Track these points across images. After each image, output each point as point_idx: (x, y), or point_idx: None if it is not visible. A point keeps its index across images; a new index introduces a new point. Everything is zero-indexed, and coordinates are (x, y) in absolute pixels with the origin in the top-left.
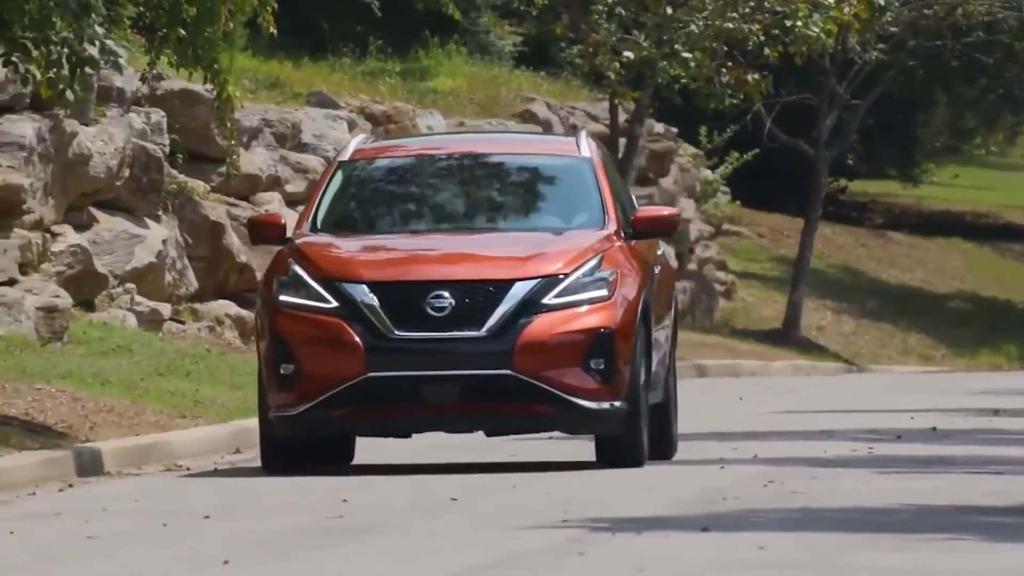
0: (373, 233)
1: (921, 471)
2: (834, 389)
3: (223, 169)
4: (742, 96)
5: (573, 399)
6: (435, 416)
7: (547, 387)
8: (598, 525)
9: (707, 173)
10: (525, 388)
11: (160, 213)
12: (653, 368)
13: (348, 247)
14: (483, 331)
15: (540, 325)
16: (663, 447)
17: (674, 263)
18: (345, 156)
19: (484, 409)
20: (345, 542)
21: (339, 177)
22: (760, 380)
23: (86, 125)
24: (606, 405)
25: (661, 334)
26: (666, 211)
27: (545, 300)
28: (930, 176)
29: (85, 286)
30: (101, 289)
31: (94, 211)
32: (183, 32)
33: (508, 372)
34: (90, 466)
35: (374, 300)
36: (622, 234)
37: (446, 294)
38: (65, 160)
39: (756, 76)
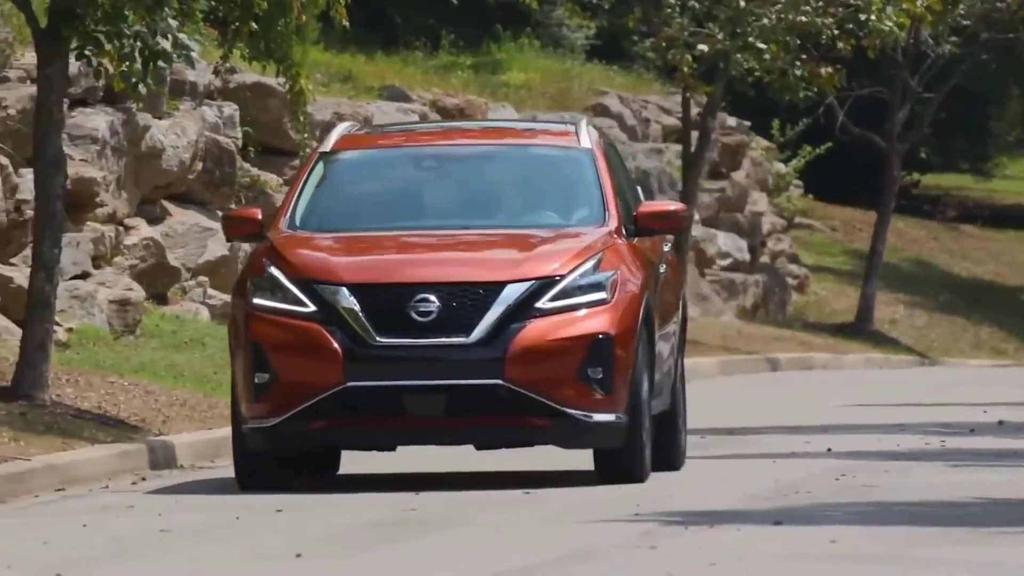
0: (355, 230)
1: (994, 464)
2: (906, 383)
3: (295, 162)
4: (815, 89)
5: (569, 411)
6: (420, 429)
7: (541, 398)
8: (670, 519)
9: (780, 166)
10: (517, 399)
11: (232, 206)
12: (658, 375)
13: (328, 246)
14: (472, 338)
15: (533, 331)
16: (670, 457)
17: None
18: (327, 146)
19: (473, 421)
20: (417, 535)
21: (320, 169)
22: (832, 373)
23: (159, 118)
24: (605, 417)
25: (666, 338)
26: (671, 206)
27: (539, 304)
28: (1003, 170)
29: (158, 279)
30: (174, 282)
31: (167, 204)
32: (255, 26)
33: (499, 382)
34: (163, 460)
35: (354, 304)
36: (623, 231)
37: (432, 298)
38: (138, 153)
39: (829, 69)
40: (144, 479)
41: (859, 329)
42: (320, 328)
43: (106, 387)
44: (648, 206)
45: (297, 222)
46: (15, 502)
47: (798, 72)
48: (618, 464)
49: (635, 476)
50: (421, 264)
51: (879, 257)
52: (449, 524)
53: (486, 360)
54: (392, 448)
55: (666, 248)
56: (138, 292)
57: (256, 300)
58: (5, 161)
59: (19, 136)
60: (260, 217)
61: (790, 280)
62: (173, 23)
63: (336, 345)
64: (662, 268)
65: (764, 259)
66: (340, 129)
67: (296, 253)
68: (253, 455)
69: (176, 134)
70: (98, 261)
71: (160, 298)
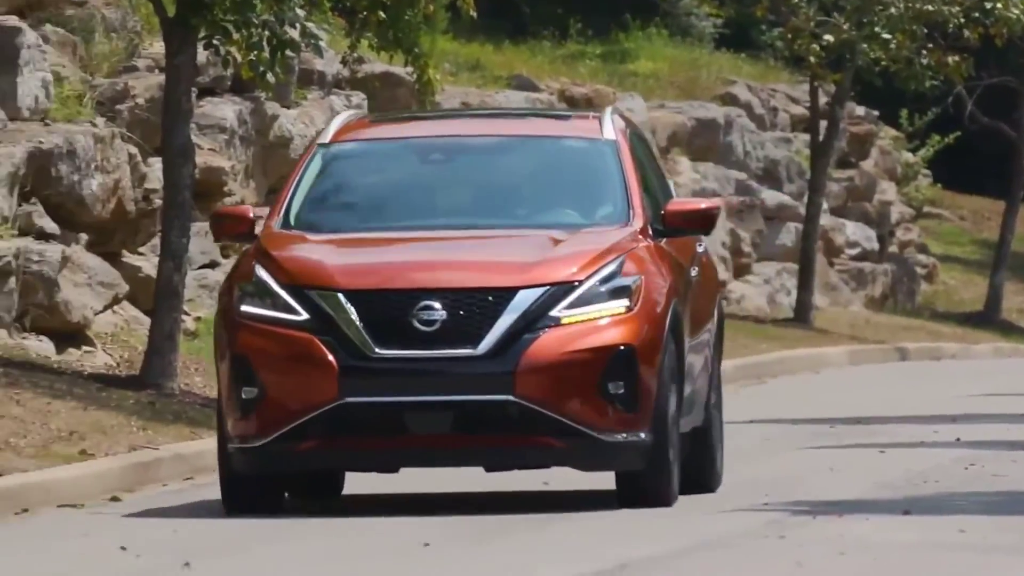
0: (354, 230)
1: None
2: None
3: None
4: (942, 78)
5: (587, 430)
6: (423, 449)
7: (556, 416)
8: (799, 508)
9: (908, 156)
10: (530, 417)
11: None
12: (688, 388)
13: (323, 248)
14: (480, 349)
15: (548, 342)
16: (704, 478)
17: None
18: (325, 137)
19: (481, 441)
20: (550, 523)
21: (317, 162)
22: (961, 363)
23: (287, 108)
24: (627, 436)
25: (699, 348)
26: (702, 204)
27: (554, 312)
28: None
29: None
30: None
31: None
32: (383, 15)
33: (509, 398)
34: None
35: (351, 312)
36: (650, 231)
37: (437, 305)
38: (266, 143)
39: (956, 58)
40: None
41: (988, 319)
42: (313, 338)
43: None
44: (677, 204)
45: (291, 221)
46: (144, 491)
47: (924, 61)
48: (641, 487)
49: (659, 500)
50: (425, 268)
51: (1008, 247)
52: (554, 522)
53: (495, 374)
54: (395, 469)
55: (700, 249)
56: None
57: (243, 307)
58: (134, 150)
59: (148, 125)
60: (251, 216)
61: (919, 270)
62: (301, 12)
63: (331, 357)
64: (694, 272)
65: (893, 248)
66: (341, 118)
67: (288, 256)
68: (240, 478)
69: (304, 123)
70: (226, 250)
71: None
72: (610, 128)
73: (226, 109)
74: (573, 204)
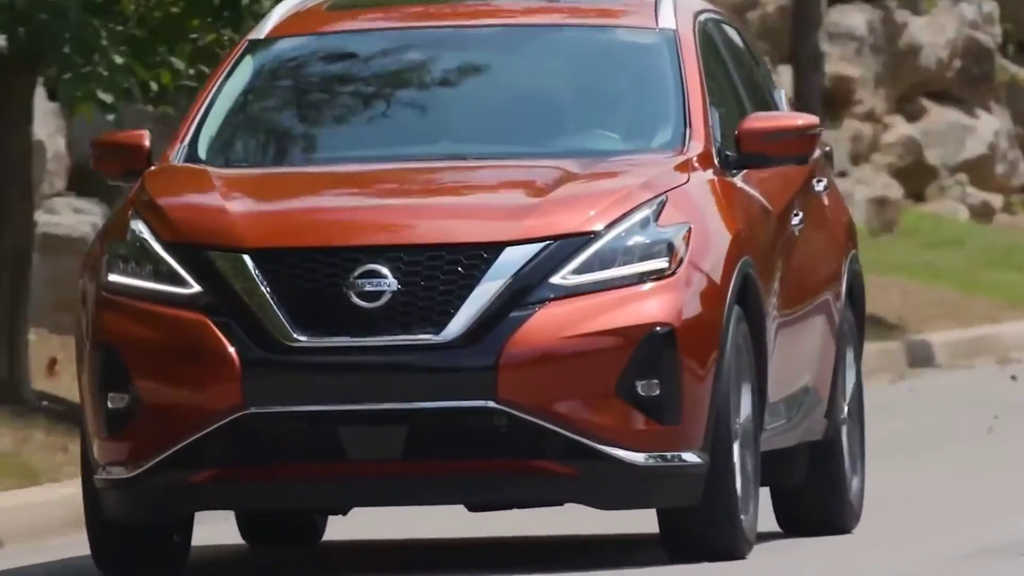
0: (285, 164)
1: None
2: None
3: None
4: None
5: (605, 449)
6: (366, 481)
7: (558, 428)
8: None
9: None
10: (521, 431)
11: (991, 104)
12: (783, 389)
13: (231, 189)
14: (447, 334)
15: (546, 323)
16: (830, 513)
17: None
18: (260, 32)
19: (449, 469)
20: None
21: (247, 67)
22: None
23: (917, 16)
24: (666, 459)
25: (805, 327)
26: (798, 120)
27: (557, 278)
28: None
29: (915, 177)
30: (931, 180)
31: (924, 102)
32: None
33: (489, 404)
34: (921, 358)
35: (261, 282)
36: (716, 160)
37: (384, 271)
38: (895, 51)
39: None
40: (903, 378)
41: None
42: (206, 321)
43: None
44: (756, 120)
45: (200, 151)
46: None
47: None
48: (693, 532)
49: (722, 550)
50: (369, 216)
51: None
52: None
53: (469, 370)
54: (334, 511)
55: (818, 187)
56: (895, 190)
57: (111, 277)
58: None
59: (777, 34)
60: (147, 145)
61: None
62: None
63: (231, 349)
64: (796, 218)
65: None
66: (286, 5)
67: (177, 202)
68: (114, 527)
69: (934, 31)
70: (856, 159)
71: (918, 196)
72: (669, 13)
73: (856, 17)
74: (606, 122)
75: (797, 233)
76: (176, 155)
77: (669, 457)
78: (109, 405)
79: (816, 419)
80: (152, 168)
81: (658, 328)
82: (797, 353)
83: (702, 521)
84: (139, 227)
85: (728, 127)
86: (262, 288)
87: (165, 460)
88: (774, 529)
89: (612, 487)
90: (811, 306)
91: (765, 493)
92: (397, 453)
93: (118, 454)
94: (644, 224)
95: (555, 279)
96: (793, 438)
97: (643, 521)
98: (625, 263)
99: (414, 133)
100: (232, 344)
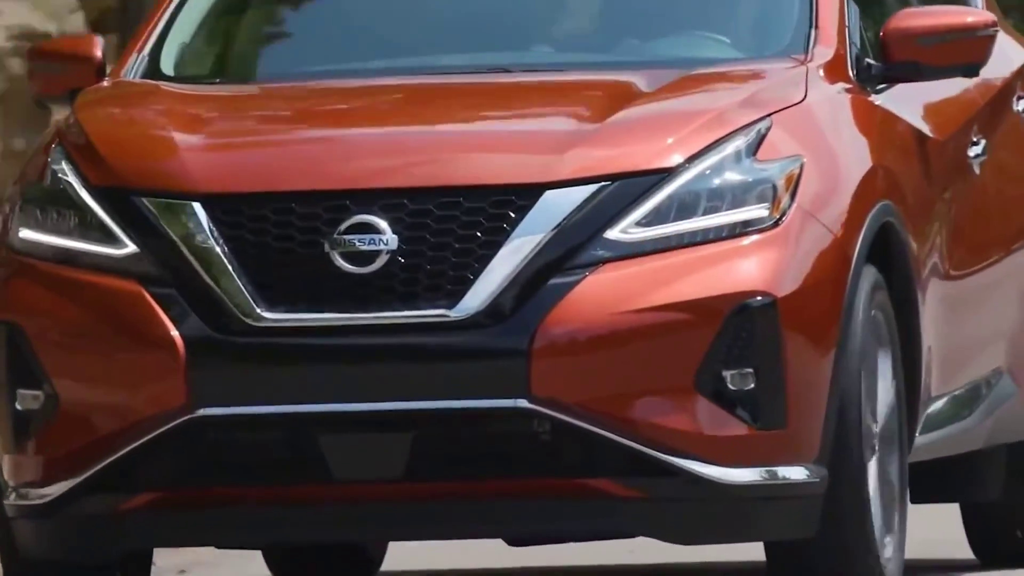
0: (268, 78)
1: None
2: None
3: None
4: None
5: (681, 462)
6: (358, 509)
7: (618, 436)
8: None
9: None
10: (565, 440)
11: None
12: (956, 382)
13: (185, 114)
14: (464, 309)
15: (598, 292)
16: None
17: None
18: None
19: (468, 491)
20: None
21: None
22: None
23: None
24: (766, 475)
25: (984, 295)
26: (968, 17)
27: (614, 232)
28: None
29: None
30: None
31: None
32: None
33: (521, 404)
34: None
35: (217, 240)
36: (850, 71)
37: (380, 224)
38: None
39: None
40: None
41: None
42: (143, 293)
43: None
44: (908, 17)
45: (165, 64)
46: None
47: None
48: (810, 570)
49: None
50: (362, 149)
51: None
52: None
53: (494, 357)
54: (317, 544)
55: (1018, 107)
56: None
57: (22, 233)
58: None
59: None
60: (98, 55)
61: None
62: None
63: (175, 330)
64: (975, 149)
65: None
66: None
67: (112, 131)
68: (29, 566)
69: None
70: None
71: None
72: None
73: None
74: (698, 20)
75: (977, 169)
76: (131, 69)
77: (770, 473)
78: (17, 406)
79: (1014, 414)
80: (92, 90)
81: (754, 299)
82: (978, 329)
83: (822, 557)
84: (62, 166)
85: (872, 26)
86: (217, 248)
87: (89, 480)
88: (966, 557)
89: (692, 515)
90: (1000, 266)
91: (949, 511)
92: (398, 471)
93: (31, 472)
94: (738, 158)
95: (612, 233)
96: (978, 440)
97: (743, 548)
98: (710, 211)
99: (434, 38)
100: (177, 324)
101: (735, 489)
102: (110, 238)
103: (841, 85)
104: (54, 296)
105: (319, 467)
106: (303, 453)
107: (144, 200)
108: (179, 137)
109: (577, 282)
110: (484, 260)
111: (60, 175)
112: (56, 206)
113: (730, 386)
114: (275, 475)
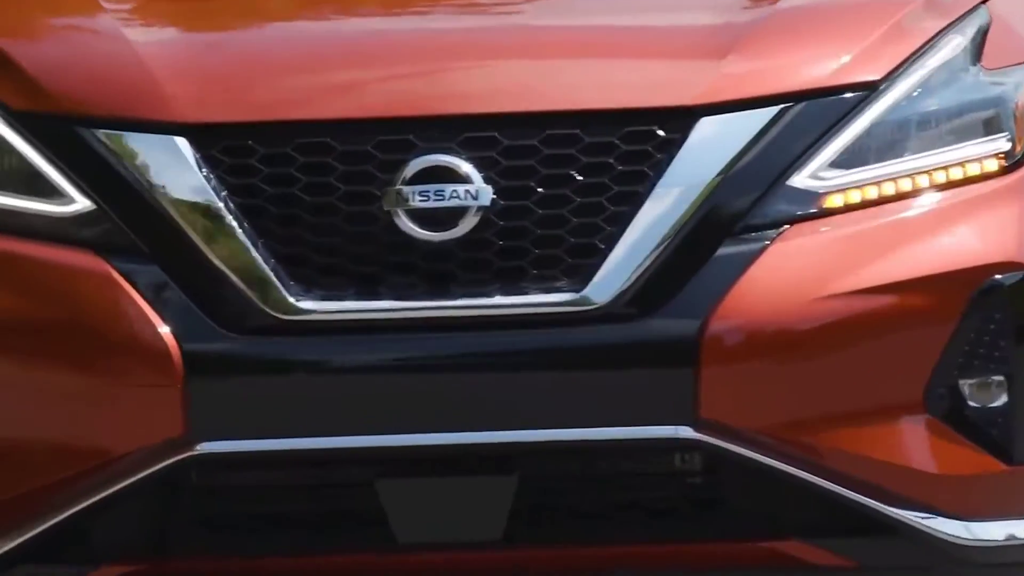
0: None
1: None
2: None
3: None
4: None
5: (909, 516)
6: None
7: (820, 480)
8: None
9: None
10: (740, 486)
11: None
12: None
13: (160, 13)
14: (592, 294)
15: (785, 268)
16: None
17: None
18: None
19: (596, 561)
20: None
21: None
22: None
23: None
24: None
25: None
26: None
27: (800, 178)
28: None
29: None
30: None
31: None
32: None
33: (683, 432)
34: None
35: (217, 190)
36: None
37: (465, 168)
38: None
39: None
40: None
41: None
42: (108, 270)
43: None
44: None
45: None
46: None
47: None
48: None
49: None
50: (435, 61)
51: None
52: None
53: (641, 361)
54: None
55: None
56: None
57: None
58: None
59: None
60: None
61: None
62: None
63: (165, 330)
64: None
65: None
66: None
67: (47, 40)
68: None
69: None
70: None
71: None
72: None
73: None
74: None
75: None
76: None
77: None
78: None
79: None
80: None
81: (1008, 274)
82: None
83: None
84: None
85: None
86: (219, 203)
87: (26, 545)
88: None
89: None
90: None
91: None
92: (494, 532)
93: None
94: (957, 67)
95: (799, 179)
96: None
97: None
98: (927, 147)
99: None
100: (165, 317)
101: (982, 552)
102: (48, 189)
103: None
104: None
105: (376, 528)
106: (353, 507)
107: (99, 134)
108: (144, 41)
109: (758, 253)
110: (620, 221)
111: None
112: None
113: (970, 402)
114: (308, 540)
